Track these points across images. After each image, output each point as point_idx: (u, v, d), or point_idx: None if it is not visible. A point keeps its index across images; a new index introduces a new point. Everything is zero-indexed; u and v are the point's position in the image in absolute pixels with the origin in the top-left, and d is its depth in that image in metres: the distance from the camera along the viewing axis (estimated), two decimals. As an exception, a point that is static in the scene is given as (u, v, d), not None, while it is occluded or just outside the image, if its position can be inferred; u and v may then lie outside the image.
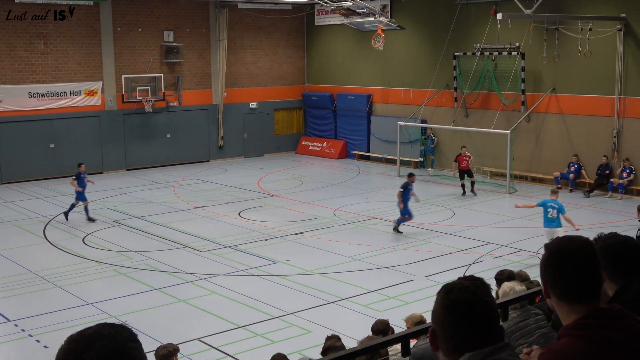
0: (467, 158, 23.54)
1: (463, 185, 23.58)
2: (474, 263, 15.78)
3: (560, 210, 15.14)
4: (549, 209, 15.22)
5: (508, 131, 23.99)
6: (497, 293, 7.04)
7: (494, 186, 24.68)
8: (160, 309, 13.46)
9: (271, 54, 33.08)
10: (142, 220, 20.46)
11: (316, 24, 33.15)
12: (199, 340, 11.74)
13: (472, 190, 23.51)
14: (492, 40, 25.19)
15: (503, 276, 7.90)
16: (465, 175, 23.54)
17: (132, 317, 12.80)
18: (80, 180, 20.19)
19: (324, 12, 32.08)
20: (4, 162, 26.29)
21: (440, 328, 2.40)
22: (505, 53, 25.52)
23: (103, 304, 13.63)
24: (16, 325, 12.60)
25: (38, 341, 11.89)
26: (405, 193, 18.54)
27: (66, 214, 20.34)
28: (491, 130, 24.85)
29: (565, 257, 2.67)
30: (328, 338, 7.85)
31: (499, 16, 20.88)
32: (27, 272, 15.70)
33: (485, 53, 26.04)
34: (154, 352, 7.90)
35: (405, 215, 18.62)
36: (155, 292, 14.35)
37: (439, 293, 2.45)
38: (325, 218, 20.46)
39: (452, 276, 14.90)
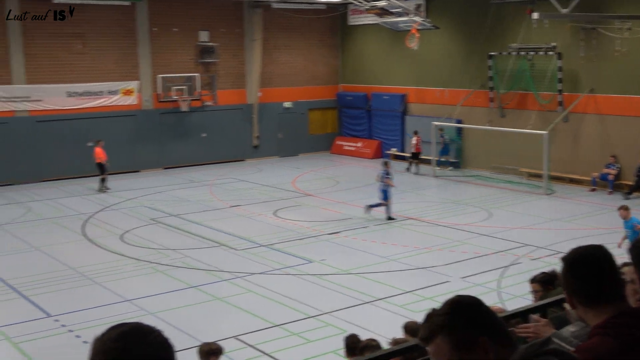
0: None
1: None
2: (511, 265, 15.66)
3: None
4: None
5: (545, 132, 23.75)
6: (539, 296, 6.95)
7: (530, 187, 24.45)
8: (197, 306, 13.58)
9: (305, 54, 33.15)
10: (178, 218, 20.66)
11: (350, 23, 33.14)
12: (235, 338, 11.81)
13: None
14: (528, 40, 24.96)
15: (546, 277, 7.70)
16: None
17: (169, 314, 12.94)
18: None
19: (357, 12, 32.04)
20: (44, 160, 26.74)
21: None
22: (541, 53, 25.27)
23: (141, 300, 13.80)
24: (56, 321, 12.81)
25: (78, 337, 12.08)
26: None
27: (371, 206, 20.30)
28: (528, 130, 24.63)
29: (582, 263, 2.83)
30: (352, 336, 8.00)
31: (535, 16, 20.67)
32: (67, 268, 15.95)
33: (522, 53, 25.80)
34: (197, 348, 8.08)
35: None
36: (192, 290, 14.48)
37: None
38: (360, 218, 20.45)
39: (489, 278, 14.83)
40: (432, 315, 2.38)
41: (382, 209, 20.21)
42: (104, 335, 1.96)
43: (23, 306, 13.60)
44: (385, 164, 20.73)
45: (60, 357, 11.33)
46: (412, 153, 28.07)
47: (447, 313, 2.34)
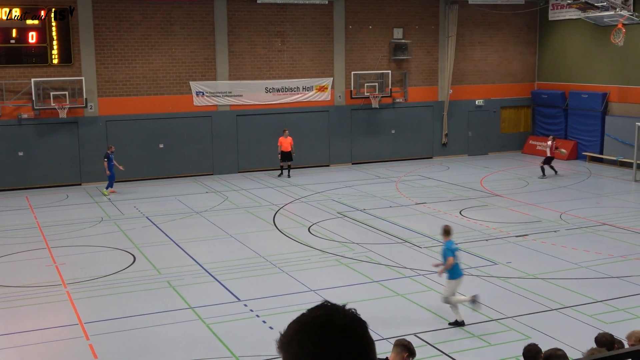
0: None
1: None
2: None
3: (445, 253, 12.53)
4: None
5: None
6: None
7: None
8: (378, 300, 13.70)
9: (500, 51, 32.31)
10: (364, 213, 20.95)
11: (550, 19, 31.83)
12: (415, 335, 11.78)
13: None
14: None
15: None
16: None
17: (351, 306, 13.11)
18: None
19: (559, 7, 30.73)
20: (241, 151, 28.21)
21: None
22: None
23: (324, 291, 14.15)
24: (245, 305, 13.47)
25: (264, 322, 12.62)
26: None
27: None
28: None
29: None
30: (533, 345, 7.71)
31: None
32: (257, 256, 16.72)
33: None
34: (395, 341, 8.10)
35: None
36: (374, 284, 14.63)
37: None
38: (550, 221, 19.63)
39: (693, 292, 13.66)
40: None
41: None
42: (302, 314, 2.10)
43: (216, 290, 14.44)
44: None
45: (247, 340, 11.89)
46: (547, 157, 26.46)
47: None
